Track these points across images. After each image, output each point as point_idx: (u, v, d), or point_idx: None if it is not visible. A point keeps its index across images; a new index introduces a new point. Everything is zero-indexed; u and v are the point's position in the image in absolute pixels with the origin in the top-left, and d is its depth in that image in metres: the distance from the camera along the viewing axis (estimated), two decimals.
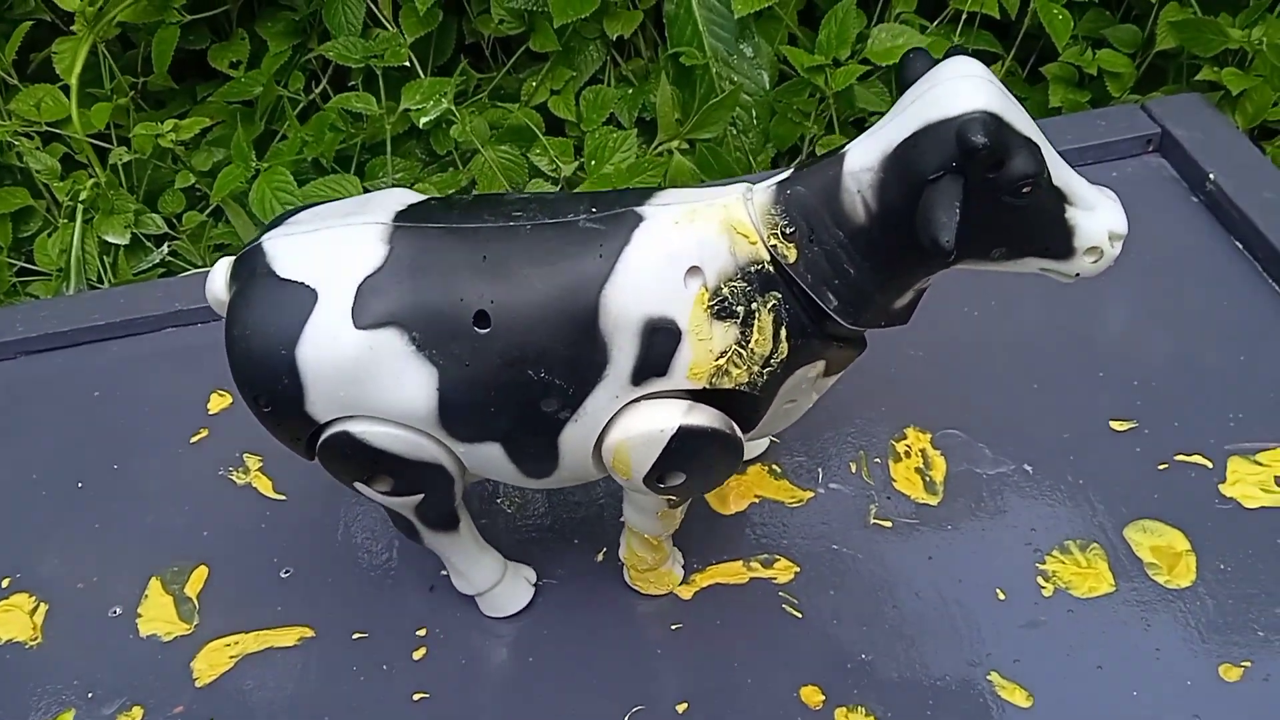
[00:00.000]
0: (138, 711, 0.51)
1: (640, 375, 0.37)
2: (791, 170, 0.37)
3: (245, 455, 0.63)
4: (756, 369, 0.38)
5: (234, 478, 0.62)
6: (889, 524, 0.54)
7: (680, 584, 0.52)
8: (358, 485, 0.42)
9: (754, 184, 0.38)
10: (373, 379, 0.38)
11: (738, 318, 0.37)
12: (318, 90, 0.91)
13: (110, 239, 0.78)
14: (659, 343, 0.37)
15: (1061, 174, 0.35)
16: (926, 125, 0.34)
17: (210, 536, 0.59)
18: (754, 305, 0.37)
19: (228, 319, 0.40)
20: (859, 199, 0.35)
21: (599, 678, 0.50)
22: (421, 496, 0.43)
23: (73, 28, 0.81)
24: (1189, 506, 0.53)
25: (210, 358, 0.70)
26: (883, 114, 0.84)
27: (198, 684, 0.52)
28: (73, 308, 0.73)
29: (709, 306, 0.37)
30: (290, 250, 0.39)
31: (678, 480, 0.40)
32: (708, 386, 0.37)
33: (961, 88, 0.33)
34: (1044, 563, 0.52)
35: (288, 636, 0.54)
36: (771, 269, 0.37)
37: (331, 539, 0.58)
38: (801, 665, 0.49)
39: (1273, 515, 0.53)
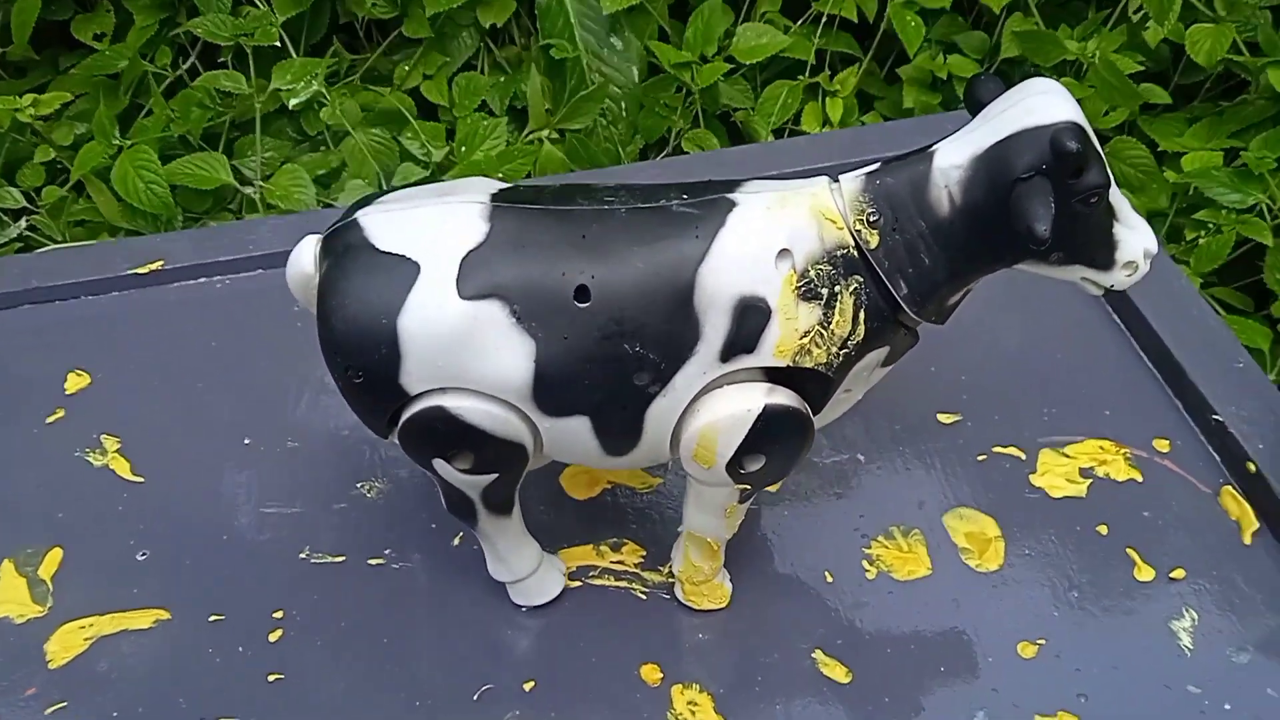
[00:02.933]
0: None
1: (729, 352, 0.39)
2: (879, 164, 0.40)
3: (103, 436, 0.63)
4: (835, 349, 0.40)
5: (91, 459, 0.62)
6: None
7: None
8: (436, 462, 0.43)
9: (838, 175, 0.41)
10: (472, 349, 0.39)
11: (821, 299, 0.39)
12: (185, 66, 0.90)
13: None
14: (749, 320, 0.39)
15: (1114, 191, 0.39)
16: (1022, 130, 0.37)
17: (65, 518, 0.59)
18: (837, 288, 0.39)
19: (322, 290, 0.40)
20: (945, 193, 0.38)
21: (451, 657, 0.52)
22: (495, 477, 0.44)
23: None
24: (1002, 495, 0.58)
25: (69, 335, 0.70)
26: (748, 109, 0.87)
27: (50, 666, 0.52)
28: None
29: (797, 287, 0.39)
30: (388, 224, 0.40)
31: (757, 464, 0.42)
32: (790, 365, 0.39)
33: (1054, 101, 0.37)
34: (869, 547, 0.56)
35: (143, 619, 0.54)
36: (855, 254, 0.39)
37: (190, 521, 0.58)
38: (643, 645, 0.52)
39: (1075, 504, 0.58)
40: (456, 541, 0.57)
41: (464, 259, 0.39)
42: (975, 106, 0.40)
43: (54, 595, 0.56)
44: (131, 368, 0.68)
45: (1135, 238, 0.40)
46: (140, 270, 0.72)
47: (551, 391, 0.40)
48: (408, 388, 0.40)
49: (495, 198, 0.40)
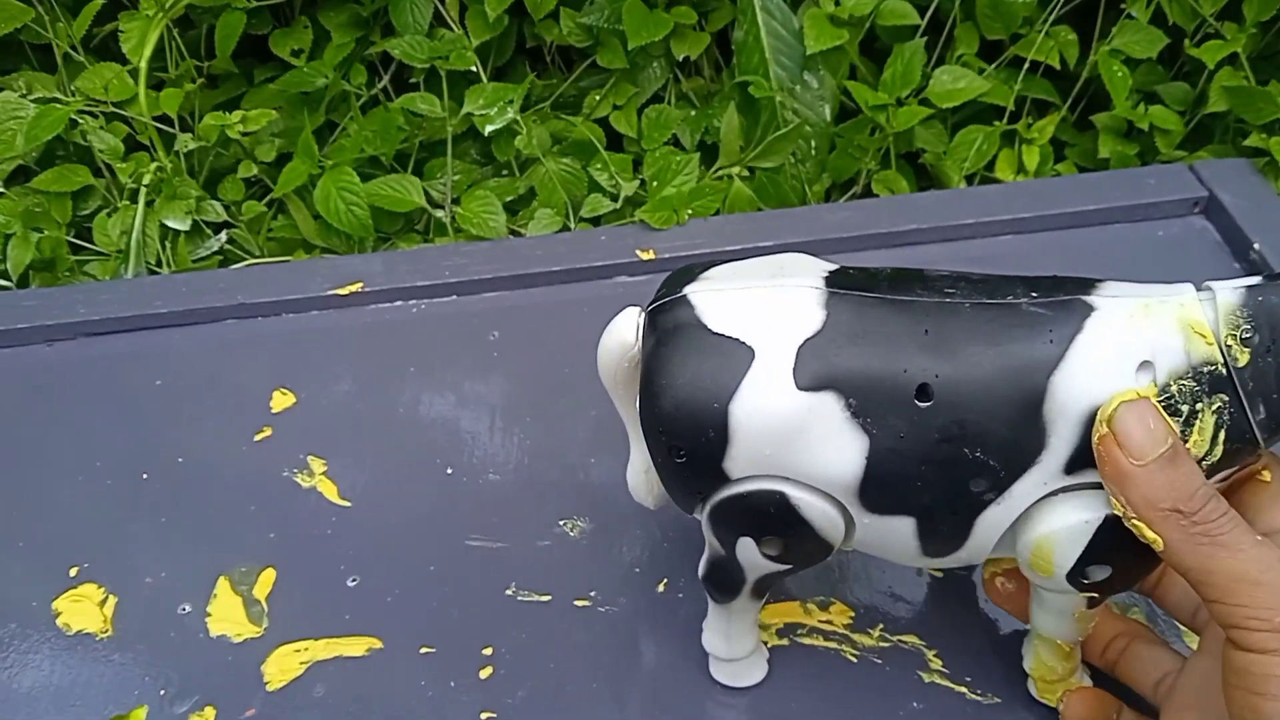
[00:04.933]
0: (210, 712, 0.52)
1: (1075, 464, 0.37)
2: (1263, 279, 0.38)
3: (310, 458, 0.64)
4: None
5: (299, 480, 0.63)
6: None
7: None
8: (742, 542, 0.42)
9: (1209, 284, 0.39)
10: (802, 441, 0.38)
11: (1181, 415, 0.37)
12: (380, 85, 0.91)
13: (171, 224, 0.78)
14: None
15: None
16: None
17: (276, 539, 0.60)
18: (1199, 405, 0.37)
19: (649, 366, 0.40)
20: None
21: (659, 708, 0.51)
22: (787, 568, 0.43)
23: (140, 5, 0.81)
24: None
25: (271, 353, 0.71)
26: (940, 152, 0.85)
27: (269, 688, 0.53)
28: (135, 292, 0.74)
29: (1156, 402, 0.37)
30: (721, 304, 0.39)
31: (1102, 575, 0.40)
32: None
33: None
34: None
35: (357, 646, 0.55)
36: (1222, 371, 0.37)
37: (398, 549, 0.59)
38: (857, 710, 0.51)
39: None
40: (661, 588, 0.57)
41: (800, 347, 0.37)
42: None
43: (269, 616, 0.57)
44: (334, 388, 0.69)
45: None
46: (341, 291, 0.73)
47: (880, 490, 0.39)
48: (729, 472, 0.39)
49: (829, 282, 0.39)
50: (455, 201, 0.85)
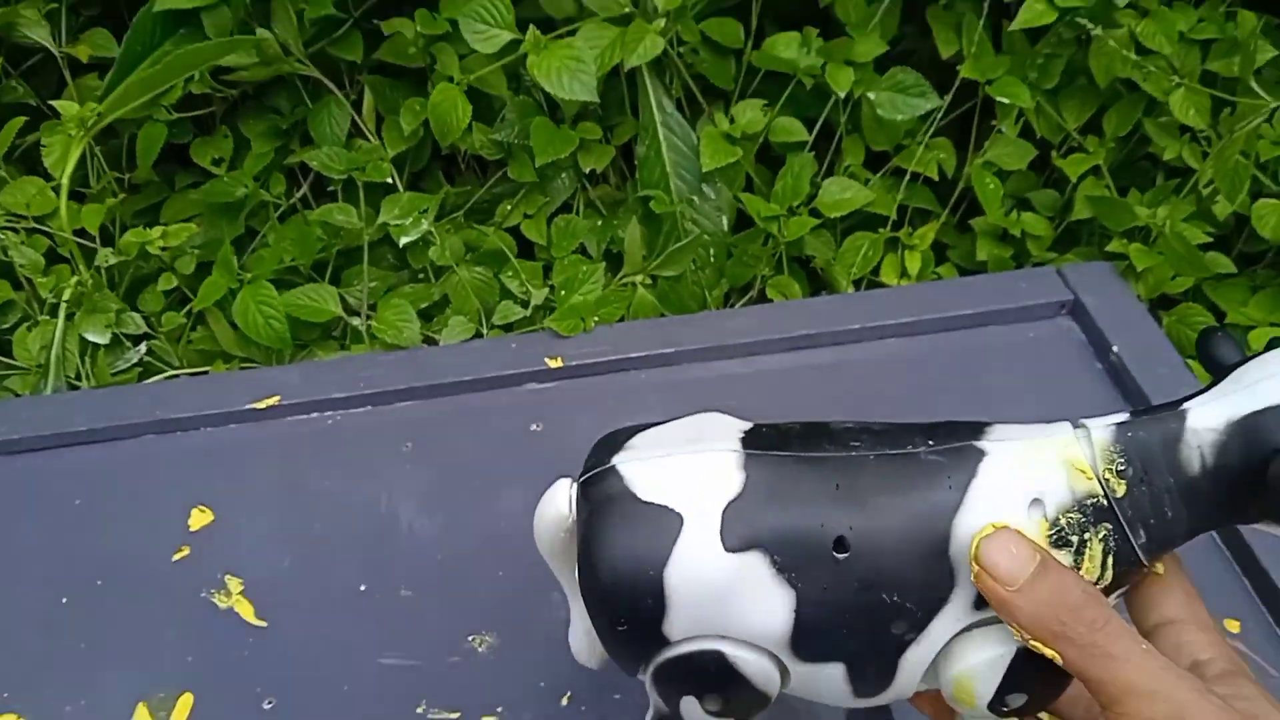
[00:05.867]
0: None
1: (982, 600, 0.40)
2: (1128, 416, 0.41)
3: (227, 577, 0.67)
4: None
5: (217, 600, 0.65)
6: None
7: None
8: (685, 700, 0.44)
9: (1083, 422, 0.42)
10: (734, 600, 0.40)
11: (1072, 546, 0.40)
12: (299, 194, 0.94)
13: (91, 337, 0.81)
14: None
15: None
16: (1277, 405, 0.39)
17: (195, 662, 0.62)
18: (1086, 535, 0.40)
19: (585, 539, 0.42)
20: (1197, 453, 0.39)
21: None
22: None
23: (62, 123, 0.84)
24: None
25: (190, 469, 0.74)
26: (829, 258, 0.91)
27: None
28: (54, 408, 0.76)
29: (1049, 535, 0.40)
30: (647, 474, 0.41)
31: (1020, 700, 0.42)
32: None
33: None
34: None
35: None
36: (1104, 502, 0.40)
37: (313, 669, 0.62)
38: None
39: None
40: (565, 701, 0.60)
41: (725, 510, 0.40)
42: (1210, 362, 0.42)
43: None
44: (251, 504, 0.72)
45: None
46: (258, 405, 0.76)
47: (809, 640, 0.41)
48: (669, 635, 0.42)
49: (745, 444, 0.42)
50: (372, 307, 0.88)
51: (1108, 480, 0.40)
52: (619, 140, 0.92)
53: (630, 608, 0.41)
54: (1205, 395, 0.41)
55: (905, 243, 0.92)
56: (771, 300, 0.91)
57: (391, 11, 0.92)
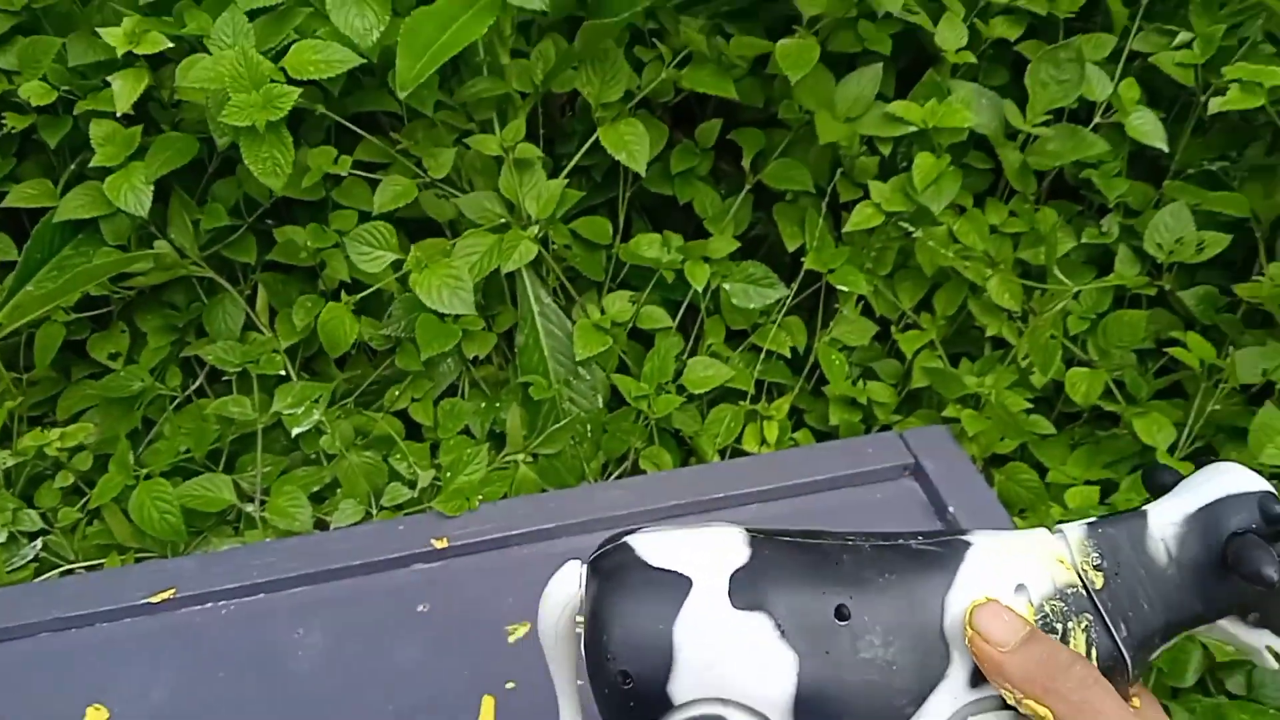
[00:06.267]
0: None
1: (977, 679, 0.42)
2: (1097, 519, 0.45)
3: None
4: None
5: None
6: None
7: None
8: None
9: (1059, 526, 0.46)
10: (739, 659, 0.42)
11: (1057, 634, 0.42)
12: (195, 385, 0.99)
13: None
14: None
15: None
16: (1229, 495, 0.43)
17: None
18: (1069, 624, 0.42)
19: (595, 604, 0.43)
20: (1162, 545, 0.43)
21: None
22: None
23: None
24: None
25: (86, 666, 0.76)
26: (697, 430, 0.99)
27: None
28: None
29: (1035, 620, 0.42)
30: (657, 545, 0.44)
31: None
32: None
33: (1252, 478, 0.44)
34: None
35: None
36: (1083, 593, 0.42)
37: None
38: None
39: None
40: None
41: (733, 575, 0.42)
42: (1155, 487, 0.47)
43: None
44: (146, 701, 0.75)
45: None
46: (154, 599, 0.80)
47: (810, 707, 0.42)
48: (674, 696, 0.42)
49: (750, 531, 0.45)
50: (266, 492, 0.93)
51: (1085, 572, 0.43)
52: (500, 328, 1.00)
53: (638, 662, 0.41)
54: (1161, 500, 0.45)
55: (763, 413, 1.01)
56: (645, 471, 0.98)
57: (284, 214, 0.99)
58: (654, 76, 0.98)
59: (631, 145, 0.92)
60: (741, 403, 1.02)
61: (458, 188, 0.97)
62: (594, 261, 1.00)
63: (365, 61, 0.81)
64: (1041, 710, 0.39)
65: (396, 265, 0.90)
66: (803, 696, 0.41)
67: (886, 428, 1.04)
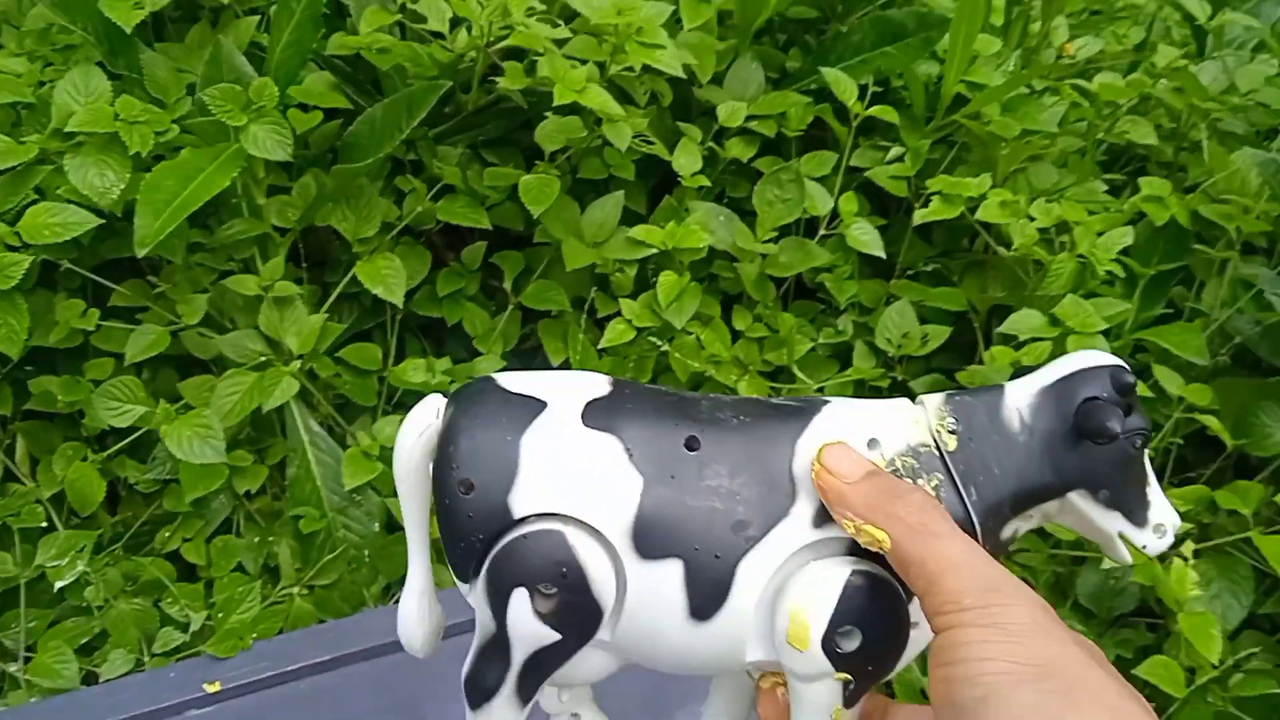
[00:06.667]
0: None
1: (821, 518, 0.42)
2: (956, 390, 0.46)
3: None
4: None
5: None
6: None
7: None
8: (517, 594, 0.42)
9: (920, 397, 0.46)
10: (584, 475, 0.42)
11: None
12: None
13: None
14: None
15: (1146, 459, 0.45)
16: (1083, 368, 0.43)
17: None
18: (919, 481, 0.42)
19: (447, 423, 0.43)
20: (1016, 413, 0.44)
21: None
22: (557, 639, 0.43)
23: None
24: None
25: None
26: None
27: None
28: None
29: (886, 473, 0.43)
30: (520, 377, 0.44)
31: (853, 643, 0.42)
32: None
33: (1105, 355, 0.44)
34: None
35: None
36: (935, 453, 0.43)
37: None
38: None
39: None
40: None
41: (588, 403, 0.43)
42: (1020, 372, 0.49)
43: None
44: None
45: (1165, 505, 0.45)
46: None
47: (651, 530, 0.41)
48: (513, 508, 0.41)
49: (617, 379, 0.46)
50: (31, 648, 0.91)
51: (939, 434, 0.43)
52: (272, 460, 1.01)
53: (482, 470, 0.41)
54: (1020, 378, 0.45)
55: None
56: None
57: (43, 360, 0.98)
58: (414, 207, 1.02)
59: (389, 279, 0.95)
60: None
61: (220, 325, 0.99)
62: (365, 387, 1.03)
63: (104, 221, 0.83)
64: (879, 534, 0.39)
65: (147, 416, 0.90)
66: (643, 517, 0.41)
67: None
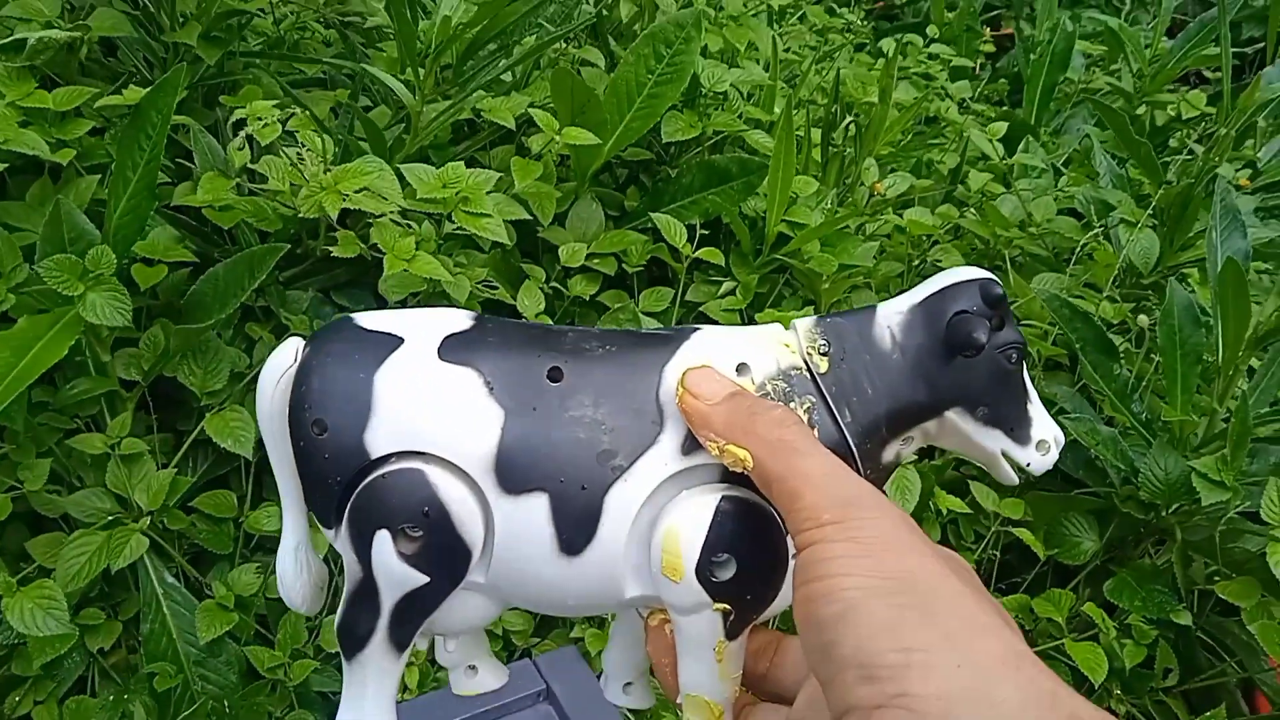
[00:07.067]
0: None
1: (689, 446, 0.41)
2: (827, 313, 0.46)
3: None
4: None
5: None
6: None
7: None
8: (379, 536, 0.41)
9: (792, 322, 0.45)
10: (441, 411, 0.40)
11: None
12: None
13: None
14: None
15: (1026, 375, 0.44)
16: (953, 283, 0.43)
17: None
18: (792, 404, 0.42)
19: (302, 363, 0.42)
20: (888, 331, 0.43)
21: None
22: (426, 581, 0.41)
23: None
24: None
25: None
26: (336, 690, 1.02)
27: None
28: None
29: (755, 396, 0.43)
30: (378, 315, 0.43)
31: (728, 571, 0.41)
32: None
33: (976, 269, 0.44)
34: None
35: None
36: (807, 375, 0.42)
37: None
38: None
39: None
40: None
41: (446, 337, 0.42)
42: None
43: None
44: None
45: (1047, 421, 0.44)
46: None
47: (514, 464, 0.40)
48: (370, 447, 0.40)
49: (479, 315, 0.45)
50: None
51: (810, 356, 0.43)
52: (126, 614, 1.01)
53: (335, 409, 0.40)
54: (891, 299, 0.45)
55: None
56: None
57: None
58: (262, 356, 1.04)
59: (238, 431, 0.97)
60: None
61: (68, 483, 0.99)
62: (220, 535, 1.04)
63: None
64: (741, 453, 0.38)
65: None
66: (505, 451, 0.40)
67: (527, 652, 1.12)
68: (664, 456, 0.41)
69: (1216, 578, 1.04)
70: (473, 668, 0.47)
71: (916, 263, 1.16)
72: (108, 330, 0.96)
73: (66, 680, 0.99)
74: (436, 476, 0.40)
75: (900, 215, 1.13)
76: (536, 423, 0.40)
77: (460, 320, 0.43)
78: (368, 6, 1.34)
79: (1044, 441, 0.44)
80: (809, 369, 0.43)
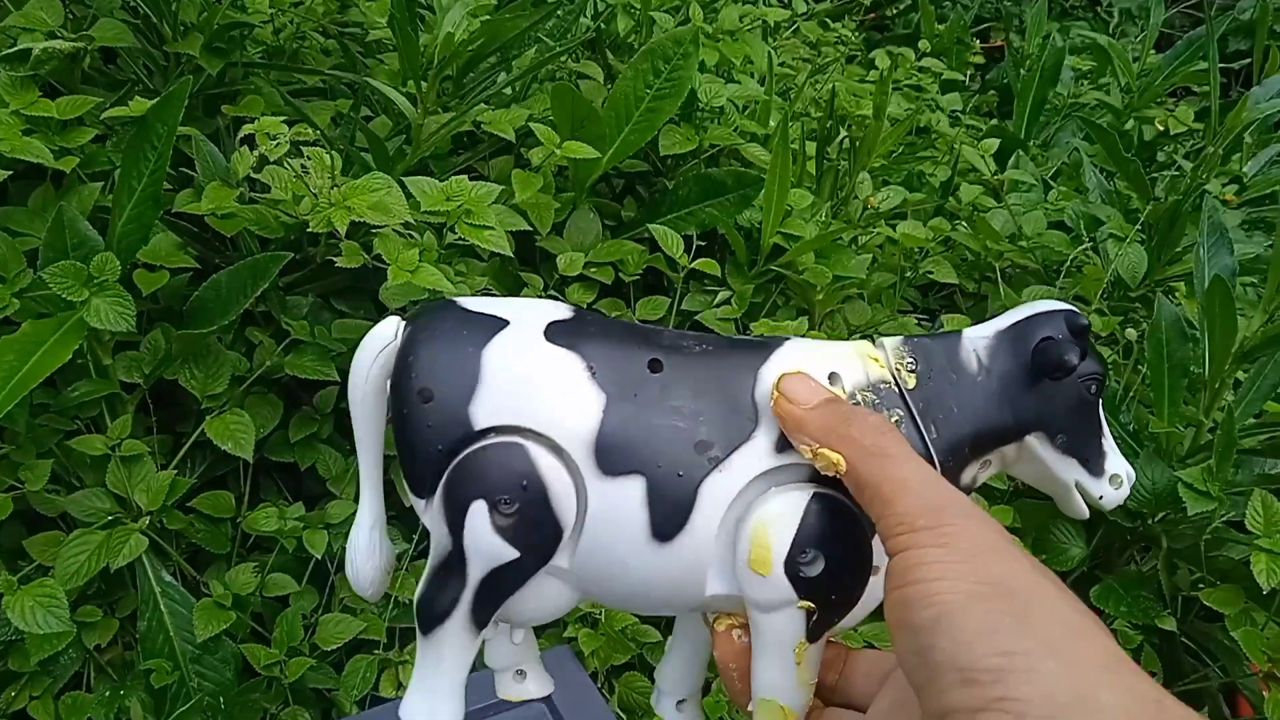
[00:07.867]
0: None
1: (782, 445, 0.42)
2: (915, 335, 0.46)
3: None
4: None
5: None
6: None
7: None
8: (476, 506, 0.41)
9: (880, 339, 0.47)
10: (545, 390, 0.41)
11: None
12: None
13: None
14: None
15: (1102, 411, 0.45)
16: (1038, 313, 0.44)
17: None
18: (882, 414, 0.43)
19: (408, 336, 0.43)
20: (974, 355, 0.44)
21: None
22: (515, 557, 0.41)
23: None
24: None
25: None
26: (333, 687, 1.03)
27: None
28: None
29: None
30: (481, 300, 0.44)
31: (816, 568, 0.41)
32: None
33: (1059, 302, 0.45)
34: None
35: None
36: (895, 390, 0.43)
37: None
38: None
39: None
40: None
41: (551, 323, 0.43)
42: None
43: None
44: None
45: (1119, 457, 0.45)
46: None
47: (613, 446, 0.41)
48: (474, 418, 0.41)
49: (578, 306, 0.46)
50: None
51: (899, 372, 0.44)
52: (123, 612, 1.02)
53: (443, 379, 0.41)
54: (976, 325, 0.46)
55: (397, 660, 1.08)
56: None
57: None
58: (263, 360, 1.06)
59: (238, 434, 0.98)
60: (377, 651, 1.08)
61: (68, 483, 1.00)
62: (218, 535, 1.05)
63: None
64: (834, 457, 0.39)
65: None
66: (606, 433, 0.41)
67: None
68: (757, 452, 0.42)
69: (1201, 585, 1.06)
70: (521, 672, 0.47)
71: (909, 274, 1.18)
72: (110, 334, 0.97)
73: (63, 676, 1.00)
74: (536, 452, 0.41)
75: (893, 227, 1.15)
76: (637, 409, 0.41)
77: (561, 310, 0.44)
78: (368, 19, 1.36)
79: (1117, 476, 0.45)
80: (897, 384, 0.44)
